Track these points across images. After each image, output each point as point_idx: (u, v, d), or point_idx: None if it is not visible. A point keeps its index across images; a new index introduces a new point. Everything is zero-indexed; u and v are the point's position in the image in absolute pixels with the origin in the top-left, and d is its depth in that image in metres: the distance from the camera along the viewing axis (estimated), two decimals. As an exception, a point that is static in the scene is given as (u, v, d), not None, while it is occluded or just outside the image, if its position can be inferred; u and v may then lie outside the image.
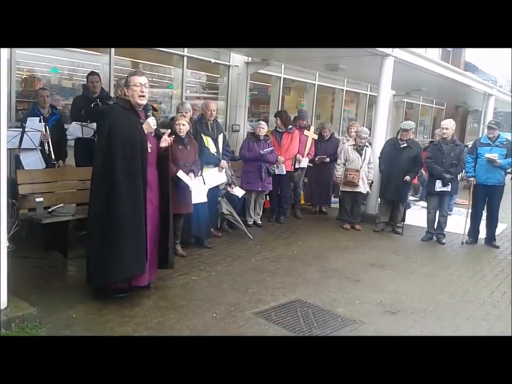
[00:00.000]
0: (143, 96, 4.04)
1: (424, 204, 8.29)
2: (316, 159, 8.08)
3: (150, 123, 4.03)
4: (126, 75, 6.02)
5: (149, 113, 4.09)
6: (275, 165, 7.29)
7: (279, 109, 10.74)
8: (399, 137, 7.42)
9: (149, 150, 4.05)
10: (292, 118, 8.19)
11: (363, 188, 7.48)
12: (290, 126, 7.65)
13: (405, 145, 7.27)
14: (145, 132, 4.02)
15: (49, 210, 5.16)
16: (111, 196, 3.92)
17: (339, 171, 7.56)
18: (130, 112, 4.07)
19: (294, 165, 7.78)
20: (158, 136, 4.21)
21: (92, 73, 6.29)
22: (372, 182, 7.77)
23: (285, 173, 7.47)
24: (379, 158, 7.60)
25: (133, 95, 4.03)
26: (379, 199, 7.93)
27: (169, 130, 4.31)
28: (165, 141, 4.17)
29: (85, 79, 6.33)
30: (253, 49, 8.78)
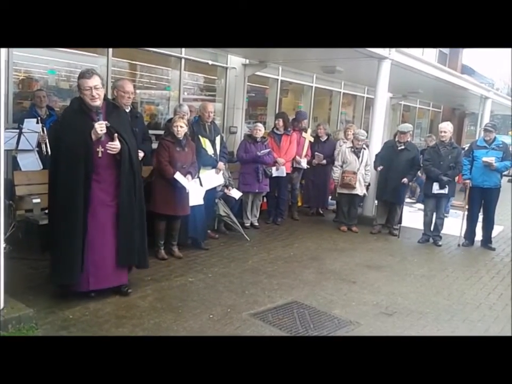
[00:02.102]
0: (96, 99, 3.86)
1: (421, 206, 8.32)
2: (314, 160, 8.10)
3: (97, 128, 3.81)
4: (123, 77, 6.03)
5: (98, 117, 3.89)
6: (275, 167, 7.31)
7: (276, 111, 10.79)
8: (396, 139, 7.45)
9: (99, 155, 3.90)
10: (290, 120, 8.21)
11: (360, 190, 7.49)
12: (289, 128, 7.68)
13: (403, 147, 7.30)
14: (93, 137, 3.85)
15: (46, 211, 5.15)
16: (51, 204, 4.05)
17: (336, 173, 7.57)
18: (83, 115, 3.90)
19: (293, 166, 7.81)
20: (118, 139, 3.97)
21: None
22: (369, 184, 7.79)
23: (285, 174, 7.50)
24: (376, 155, 7.61)
25: (85, 99, 3.87)
26: (376, 201, 7.94)
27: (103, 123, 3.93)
28: (94, 133, 3.86)
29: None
30: (250, 51, 8.80)
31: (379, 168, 7.42)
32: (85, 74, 3.87)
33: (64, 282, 4.04)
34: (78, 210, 3.89)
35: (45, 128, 5.66)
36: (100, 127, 3.83)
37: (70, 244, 3.91)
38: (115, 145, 3.91)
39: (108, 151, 3.92)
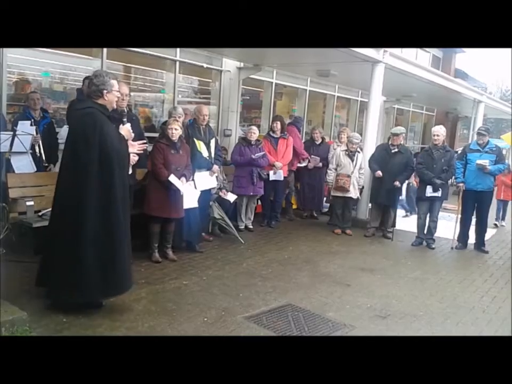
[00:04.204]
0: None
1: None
2: (310, 163, 8.13)
3: (130, 130, 3.96)
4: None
5: (124, 119, 4.01)
6: (272, 171, 7.33)
7: (271, 114, 10.82)
8: (390, 142, 7.47)
9: None
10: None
11: (354, 193, 7.52)
12: (285, 132, 7.70)
13: (396, 150, 7.33)
14: (126, 138, 3.93)
15: (40, 214, 5.13)
16: (112, 211, 3.77)
17: (330, 176, 7.59)
18: (107, 118, 3.88)
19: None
20: None
21: (88, 77, 6.27)
22: (363, 187, 7.81)
23: (282, 178, 7.53)
24: (369, 161, 7.61)
25: (112, 100, 3.89)
26: (369, 204, 7.96)
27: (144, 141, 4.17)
28: (133, 146, 4.00)
29: (78, 83, 6.31)
30: (245, 54, 8.82)
31: (379, 173, 7.32)
32: (116, 77, 4.07)
33: (123, 292, 4.03)
34: (128, 219, 3.94)
35: (38, 130, 5.64)
36: (130, 127, 3.97)
37: (126, 253, 3.93)
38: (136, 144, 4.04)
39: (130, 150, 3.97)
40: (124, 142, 3.89)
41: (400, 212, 8.99)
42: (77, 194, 3.73)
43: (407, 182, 8.39)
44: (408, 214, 9.50)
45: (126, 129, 3.94)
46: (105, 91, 3.79)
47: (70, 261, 3.73)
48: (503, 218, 9.55)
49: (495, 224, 9.12)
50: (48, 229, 3.99)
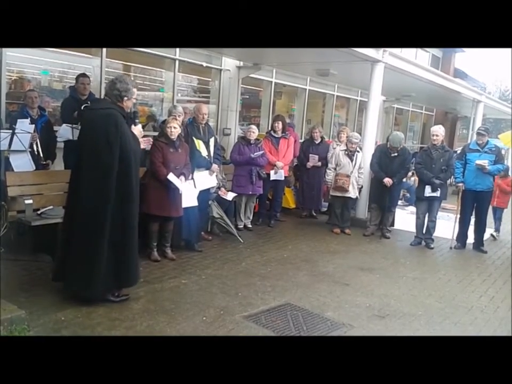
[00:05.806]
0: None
1: (413, 209, 8.35)
2: (309, 162, 8.13)
3: (141, 130, 4.25)
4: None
5: (137, 120, 4.25)
6: (273, 170, 7.33)
7: (270, 114, 10.82)
8: (388, 146, 7.38)
9: None
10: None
11: (353, 193, 7.51)
12: (287, 132, 7.70)
13: (396, 154, 7.28)
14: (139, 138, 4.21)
15: (38, 212, 5.13)
16: (129, 208, 4.04)
17: (330, 176, 7.58)
18: (123, 119, 4.11)
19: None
20: None
21: (83, 75, 6.27)
22: (362, 186, 7.81)
23: (283, 178, 7.53)
24: (371, 164, 7.57)
25: (129, 106, 4.17)
26: (369, 204, 7.95)
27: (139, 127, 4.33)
28: (139, 136, 4.30)
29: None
30: (244, 54, 8.82)
31: (388, 181, 7.19)
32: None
33: (133, 284, 4.33)
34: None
35: (36, 129, 5.63)
36: (141, 128, 4.28)
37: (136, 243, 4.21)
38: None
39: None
40: (137, 141, 4.13)
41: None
42: (101, 193, 3.92)
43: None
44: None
45: (138, 130, 4.19)
46: (125, 98, 4.06)
47: (90, 257, 3.95)
48: (497, 230, 8.32)
49: (492, 235, 8.18)
50: (64, 225, 4.22)
